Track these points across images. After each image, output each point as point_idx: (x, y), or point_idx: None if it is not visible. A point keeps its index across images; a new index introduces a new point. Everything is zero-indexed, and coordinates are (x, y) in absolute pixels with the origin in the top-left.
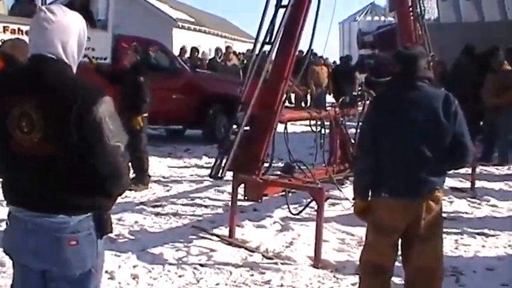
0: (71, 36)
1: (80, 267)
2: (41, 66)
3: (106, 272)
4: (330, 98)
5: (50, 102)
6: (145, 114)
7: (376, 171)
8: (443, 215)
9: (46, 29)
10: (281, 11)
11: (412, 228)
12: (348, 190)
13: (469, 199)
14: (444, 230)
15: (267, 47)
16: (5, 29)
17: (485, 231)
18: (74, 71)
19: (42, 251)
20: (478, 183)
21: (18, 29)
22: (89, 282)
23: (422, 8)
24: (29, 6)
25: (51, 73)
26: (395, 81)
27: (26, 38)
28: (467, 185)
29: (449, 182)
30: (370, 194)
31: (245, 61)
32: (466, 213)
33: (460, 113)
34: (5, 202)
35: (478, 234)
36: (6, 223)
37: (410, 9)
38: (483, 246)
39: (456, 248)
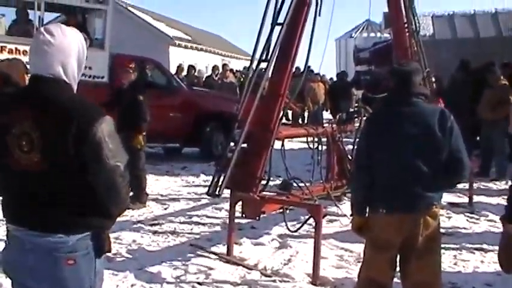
0: (70, 57)
1: (77, 287)
2: (41, 87)
3: None
4: (327, 115)
5: (50, 122)
6: (144, 133)
7: (373, 187)
8: (442, 230)
9: (46, 52)
10: (277, 28)
11: (409, 243)
12: (346, 206)
13: (467, 214)
14: (443, 245)
15: (263, 65)
16: (2, 49)
17: (484, 246)
18: (75, 89)
19: (39, 270)
20: (476, 198)
21: (16, 48)
22: None
23: (418, 24)
24: (26, 26)
25: (51, 93)
26: (390, 97)
27: (23, 58)
28: (465, 200)
29: (447, 197)
30: (367, 210)
31: (242, 78)
32: (465, 228)
33: (456, 128)
34: (3, 221)
35: (476, 249)
36: (5, 242)
37: (406, 25)
38: (482, 261)
39: (455, 264)
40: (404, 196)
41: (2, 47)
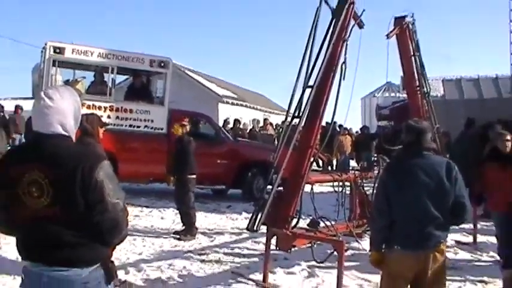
0: (67, 116)
1: None
2: (43, 141)
3: None
4: (353, 163)
5: (56, 171)
6: (194, 176)
7: (389, 228)
8: (449, 264)
9: (46, 114)
10: (308, 90)
11: (420, 276)
12: (366, 242)
13: (471, 251)
14: (449, 277)
15: (296, 120)
16: (82, 105)
17: (485, 278)
18: (74, 138)
19: None
20: (480, 238)
21: (93, 105)
22: None
23: (428, 87)
24: (101, 87)
25: (52, 146)
26: (406, 149)
27: (98, 112)
28: (470, 239)
29: (454, 236)
30: (384, 246)
31: (280, 131)
32: (469, 263)
33: (459, 177)
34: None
35: (478, 281)
36: (22, 278)
37: (418, 88)
38: None
39: None
40: (418, 236)
41: (82, 103)
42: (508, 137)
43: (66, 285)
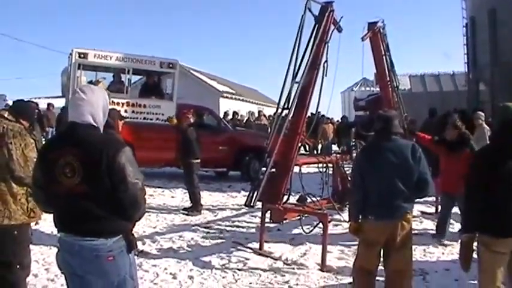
0: (97, 109)
1: (116, 275)
2: (77, 130)
3: (170, 273)
4: (335, 147)
5: (86, 155)
6: (198, 160)
7: (364, 201)
8: (415, 231)
9: (80, 105)
10: (295, 85)
11: (390, 241)
12: (346, 214)
13: (434, 220)
14: (415, 242)
15: (286, 111)
16: None
17: (445, 242)
18: (101, 130)
19: (86, 265)
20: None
21: (112, 101)
22: (126, 285)
23: (398, 82)
24: (119, 86)
25: (84, 134)
26: (377, 134)
27: (117, 108)
28: (433, 209)
29: (420, 207)
30: (360, 217)
31: (272, 120)
32: (431, 230)
33: (422, 157)
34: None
35: (440, 245)
36: (57, 246)
37: (388, 83)
38: (443, 253)
39: (424, 255)
40: (387, 207)
41: None
42: (457, 123)
43: (94, 252)
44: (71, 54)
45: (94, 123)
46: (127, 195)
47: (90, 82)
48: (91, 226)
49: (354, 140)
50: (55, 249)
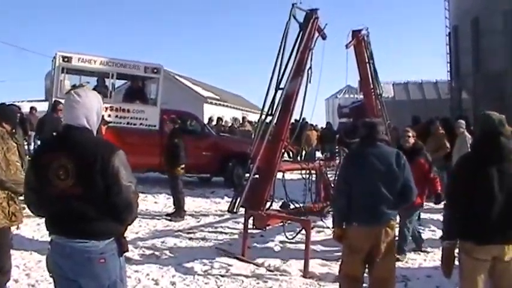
0: (92, 112)
1: (107, 279)
2: (71, 132)
3: (152, 279)
4: (319, 154)
5: (80, 157)
6: (183, 166)
7: (348, 207)
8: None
9: (75, 108)
10: (279, 92)
11: (374, 248)
12: (329, 221)
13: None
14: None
15: (269, 117)
16: None
17: (428, 249)
18: (95, 133)
19: (78, 268)
20: (423, 215)
21: None
22: None
23: (381, 90)
24: (103, 90)
25: (79, 137)
26: (362, 141)
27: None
28: None
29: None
30: (344, 223)
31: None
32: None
33: (407, 165)
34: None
35: (421, 251)
36: (48, 248)
37: (372, 90)
38: (424, 260)
39: (406, 262)
40: (371, 213)
41: None
42: (410, 134)
43: (86, 254)
44: (54, 57)
45: (88, 126)
46: (120, 198)
47: (74, 86)
48: (83, 227)
49: (337, 147)
50: (36, 254)
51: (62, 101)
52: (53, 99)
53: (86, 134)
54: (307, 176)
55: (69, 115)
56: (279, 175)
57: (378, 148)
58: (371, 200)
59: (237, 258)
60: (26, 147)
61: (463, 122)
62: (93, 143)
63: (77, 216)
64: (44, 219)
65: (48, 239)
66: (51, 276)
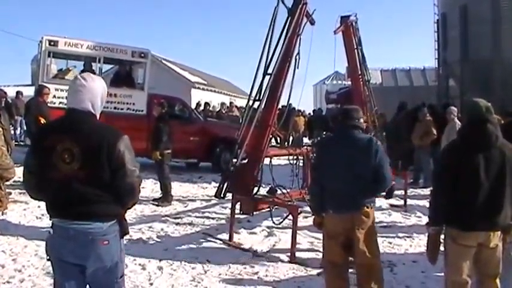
0: (96, 96)
1: (110, 260)
2: (76, 116)
3: (139, 264)
4: (306, 140)
5: (85, 141)
6: (169, 151)
7: (323, 195)
8: (383, 224)
9: (80, 91)
10: (267, 77)
11: (351, 234)
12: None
13: (402, 213)
14: (383, 234)
15: (257, 103)
16: None
17: (413, 235)
18: (98, 117)
19: (82, 250)
20: (409, 201)
21: None
22: (117, 270)
23: (369, 76)
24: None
25: (84, 120)
26: (337, 127)
27: None
28: (402, 202)
29: (389, 200)
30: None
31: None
32: (400, 222)
33: (380, 151)
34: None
35: (407, 237)
36: (49, 232)
37: (360, 77)
38: (410, 245)
39: (391, 247)
40: (343, 200)
41: None
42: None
43: (89, 236)
44: (40, 41)
45: (92, 111)
46: (125, 181)
47: (60, 71)
48: (87, 209)
49: (325, 132)
50: (23, 240)
51: (48, 85)
52: (39, 84)
53: (91, 118)
54: (294, 161)
55: (74, 99)
56: (266, 160)
57: (350, 135)
58: (343, 187)
59: (224, 243)
60: (12, 131)
61: (454, 108)
62: (98, 127)
63: (80, 199)
64: (30, 205)
65: (35, 224)
66: (48, 259)
